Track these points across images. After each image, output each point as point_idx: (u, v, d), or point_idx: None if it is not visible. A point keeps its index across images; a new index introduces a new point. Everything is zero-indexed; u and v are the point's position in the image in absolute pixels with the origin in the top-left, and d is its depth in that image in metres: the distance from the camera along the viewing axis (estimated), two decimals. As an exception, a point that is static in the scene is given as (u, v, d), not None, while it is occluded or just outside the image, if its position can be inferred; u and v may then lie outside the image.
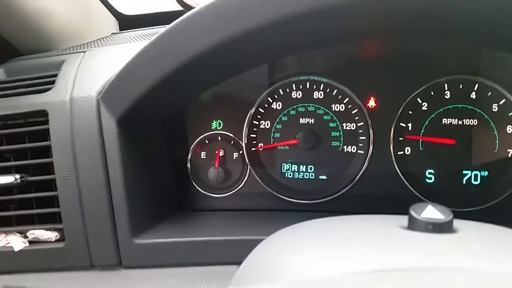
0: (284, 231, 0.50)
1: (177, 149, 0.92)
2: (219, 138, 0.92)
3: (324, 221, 0.52)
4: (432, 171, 0.87)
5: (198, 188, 0.93)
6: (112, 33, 1.25)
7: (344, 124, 0.89)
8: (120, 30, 1.32)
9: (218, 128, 0.92)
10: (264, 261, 0.43)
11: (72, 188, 0.72)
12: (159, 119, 0.86)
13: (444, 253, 0.38)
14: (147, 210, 0.79)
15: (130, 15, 1.34)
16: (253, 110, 0.91)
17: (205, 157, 0.93)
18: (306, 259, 0.38)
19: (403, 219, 0.47)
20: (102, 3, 1.24)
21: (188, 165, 0.93)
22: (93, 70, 0.81)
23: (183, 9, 0.97)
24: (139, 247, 0.73)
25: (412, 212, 0.44)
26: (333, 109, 0.90)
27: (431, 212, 0.44)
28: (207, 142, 0.93)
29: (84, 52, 0.89)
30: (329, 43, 0.75)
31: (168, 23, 1.22)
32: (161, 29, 1.14)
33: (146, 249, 0.73)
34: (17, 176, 0.73)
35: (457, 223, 0.46)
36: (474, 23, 0.64)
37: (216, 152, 0.92)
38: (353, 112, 0.89)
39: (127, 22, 1.34)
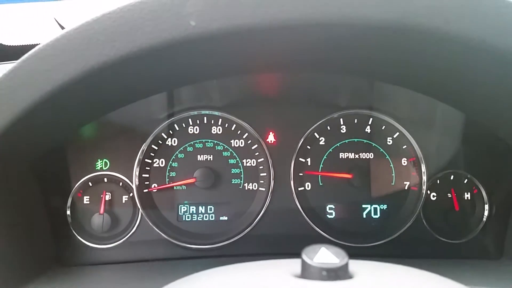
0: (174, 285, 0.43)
1: (54, 194, 0.79)
2: (105, 180, 0.82)
3: (212, 273, 0.45)
4: (332, 206, 0.86)
5: (81, 239, 0.80)
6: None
7: (244, 161, 0.85)
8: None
9: (104, 168, 0.82)
10: None
11: None
12: (31, 158, 0.73)
13: None
14: (14, 267, 0.65)
15: (10, 45, 1.20)
16: (145, 147, 0.83)
17: (88, 202, 0.81)
18: None
19: (298, 264, 0.42)
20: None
21: (68, 212, 0.80)
22: None
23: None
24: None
25: (304, 257, 0.39)
26: (233, 145, 0.85)
27: (325, 255, 0.40)
28: (90, 184, 0.81)
29: None
30: (221, 74, 0.71)
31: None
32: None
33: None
34: None
35: (353, 266, 0.42)
36: (369, 60, 0.65)
37: (102, 196, 0.81)
38: (253, 147, 0.85)
39: (7, 53, 1.19)
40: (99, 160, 0.82)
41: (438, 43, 0.50)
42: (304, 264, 0.39)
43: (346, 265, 0.39)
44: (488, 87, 0.57)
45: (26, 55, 0.54)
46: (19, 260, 0.67)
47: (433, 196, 0.86)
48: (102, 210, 0.80)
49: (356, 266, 0.42)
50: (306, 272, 0.39)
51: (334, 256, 0.39)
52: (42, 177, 0.77)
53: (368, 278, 0.39)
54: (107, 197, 0.81)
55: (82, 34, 0.50)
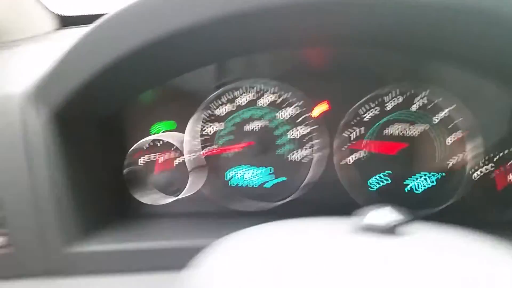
0: (231, 236, 0.48)
1: (115, 154, 0.86)
2: (159, 143, 0.87)
3: (270, 226, 0.50)
4: (375, 179, 0.88)
5: (137, 196, 0.87)
6: (46, 32, 1.17)
7: (290, 131, 0.88)
8: (56, 30, 1.24)
9: (159, 133, 0.87)
10: (209, 268, 0.40)
11: None
12: (95, 120, 0.80)
13: (388, 256, 0.37)
14: (82, 217, 0.73)
15: (68, 15, 1.27)
16: (198, 114, 0.87)
17: (144, 162, 0.88)
18: (252, 265, 0.36)
19: (349, 222, 0.46)
20: (38, 2, 1.16)
21: (128, 170, 0.87)
22: (23, 66, 0.74)
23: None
24: (71, 256, 0.67)
25: (356, 217, 0.43)
26: (280, 116, 0.88)
27: (377, 215, 0.43)
28: (146, 146, 0.87)
29: (13, 47, 0.81)
30: (276, 47, 0.74)
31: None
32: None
33: (80, 257, 0.68)
34: None
35: (402, 229, 0.45)
36: (421, 37, 0.65)
37: (156, 157, 0.87)
38: (299, 119, 0.88)
39: (65, 22, 1.26)
40: (154, 125, 0.87)
41: (495, 24, 0.51)
42: (357, 222, 0.42)
43: (393, 226, 0.42)
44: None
45: (102, 20, 0.59)
46: (85, 213, 0.74)
47: (478, 174, 0.86)
48: (158, 170, 0.86)
49: (407, 228, 0.45)
50: (358, 229, 0.42)
51: (386, 216, 0.43)
52: (105, 138, 0.83)
53: (418, 236, 0.42)
54: (161, 159, 0.87)
55: (156, 3, 0.55)
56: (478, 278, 0.30)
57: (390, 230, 0.43)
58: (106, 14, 0.68)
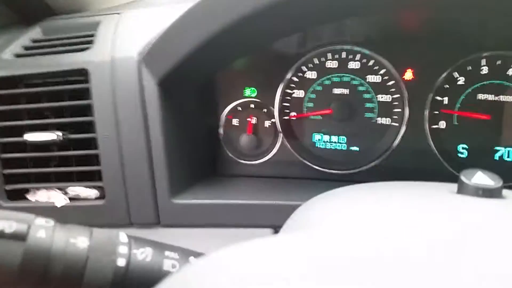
0: (335, 191, 0.51)
1: (211, 115, 0.93)
2: (252, 106, 0.93)
3: (372, 186, 0.53)
4: (465, 146, 0.87)
5: (231, 155, 0.94)
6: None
7: (379, 96, 0.89)
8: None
9: (251, 96, 0.92)
10: (317, 213, 0.44)
11: (113, 147, 0.73)
12: (196, 84, 0.86)
13: (495, 216, 0.39)
14: (184, 172, 0.80)
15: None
16: (286, 78, 0.91)
17: (237, 124, 0.93)
18: (357, 216, 0.40)
19: (453, 186, 0.48)
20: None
21: (221, 131, 0.93)
22: (131, 31, 0.81)
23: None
24: (176, 207, 0.75)
25: (463, 178, 0.45)
26: (369, 80, 0.89)
27: (481, 178, 0.45)
28: (239, 109, 0.93)
29: (119, 13, 0.88)
30: (366, 11, 0.74)
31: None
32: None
33: (183, 209, 0.75)
34: (59, 133, 0.74)
35: (506, 192, 0.47)
36: None
37: (249, 119, 0.92)
38: (388, 84, 0.88)
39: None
40: (247, 88, 0.92)
41: None
42: (462, 183, 0.45)
43: (501, 187, 0.44)
44: None
45: None
46: (185, 169, 0.82)
47: None
48: (249, 131, 0.91)
49: (509, 192, 0.47)
50: (464, 191, 0.45)
51: (490, 179, 0.44)
52: (202, 100, 0.90)
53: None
54: (253, 121, 0.93)
55: None
56: None
57: (497, 192, 0.45)
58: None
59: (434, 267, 0.23)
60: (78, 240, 0.38)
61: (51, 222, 0.39)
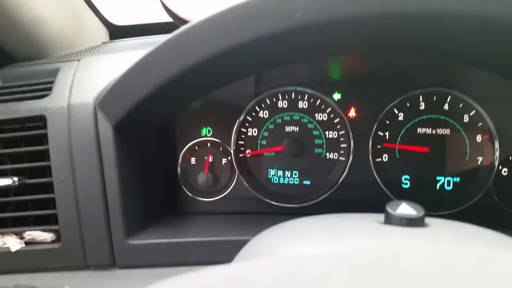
0: (275, 227, 0.55)
1: (168, 155, 0.96)
2: (209, 145, 0.97)
3: (309, 218, 0.57)
4: (407, 177, 0.94)
5: (188, 193, 0.97)
6: (102, 42, 1.29)
7: (326, 133, 0.95)
8: (110, 40, 1.35)
9: (208, 135, 0.97)
10: (257, 251, 0.48)
11: (68, 190, 0.75)
12: (153, 126, 0.90)
13: (414, 241, 0.43)
14: (140, 213, 0.82)
15: (120, 25, 1.38)
16: (241, 118, 0.96)
17: (195, 162, 0.97)
18: (293, 245, 0.44)
19: (381, 216, 0.53)
20: (94, 13, 1.27)
21: (179, 170, 0.97)
22: (88, 78, 0.85)
23: (172, 20, 1.03)
24: (132, 248, 0.76)
25: (388, 209, 0.50)
26: (317, 118, 0.95)
27: (405, 208, 0.50)
28: (197, 148, 0.97)
29: (79, 60, 0.92)
30: (313, 57, 0.81)
31: (156, 33, 1.27)
32: (149, 39, 1.19)
33: (139, 249, 0.77)
34: (15, 178, 0.76)
35: (429, 220, 0.52)
36: (449, 45, 0.71)
37: (206, 158, 0.96)
38: (335, 121, 0.95)
39: (117, 32, 1.38)
40: (204, 128, 0.97)
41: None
42: (387, 214, 0.49)
43: (423, 216, 0.49)
44: None
45: (164, 41, 0.67)
46: (141, 209, 0.84)
47: (505, 171, 0.91)
48: (206, 169, 0.95)
49: (432, 220, 0.52)
50: (389, 221, 0.50)
51: (413, 209, 0.49)
52: (160, 141, 0.93)
53: (440, 227, 0.49)
54: (210, 159, 0.96)
55: (210, 24, 0.63)
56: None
57: (419, 221, 0.49)
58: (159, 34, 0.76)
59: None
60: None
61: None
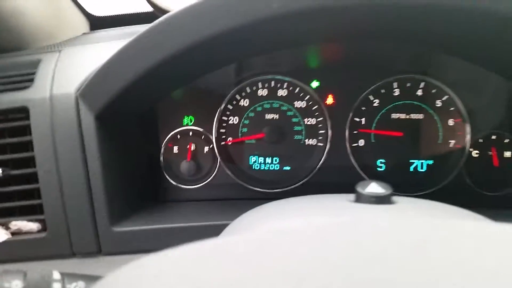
0: (256, 208, 0.59)
1: (151, 144, 0.98)
2: (191, 133, 0.99)
3: (288, 200, 0.61)
4: (383, 160, 0.97)
5: (171, 181, 0.99)
6: (83, 33, 1.29)
7: (305, 120, 0.98)
8: (90, 30, 1.35)
9: (190, 124, 0.99)
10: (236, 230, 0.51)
11: (53, 180, 0.77)
12: (135, 115, 0.91)
13: (376, 215, 0.47)
14: (124, 201, 0.84)
15: (100, 16, 1.38)
16: (222, 107, 0.98)
17: (177, 151, 0.99)
18: (272, 221, 0.47)
19: (353, 196, 0.56)
20: (74, 3, 1.27)
21: (161, 158, 0.99)
22: (70, 69, 0.86)
23: (152, 10, 1.04)
24: (117, 235, 0.79)
25: (358, 188, 0.53)
26: (296, 106, 0.98)
27: (374, 187, 0.53)
28: (179, 137, 0.99)
29: (60, 51, 0.93)
30: (291, 46, 0.83)
31: (137, 23, 1.27)
32: (130, 29, 1.19)
33: (123, 236, 0.79)
34: (0, 169, 0.77)
35: (396, 198, 0.55)
36: (424, 31, 0.74)
37: (188, 146, 0.99)
38: (313, 108, 0.98)
39: (97, 23, 1.37)
40: (185, 117, 0.99)
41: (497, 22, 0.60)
42: (357, 193, 0.53)
43: (390, 195, 0.52)
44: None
45: (145, 29, 0.69)
46: (125, 197, 0.86)
47: (476, 153, 0.95)
48: (188, 158, 0.97)
49: (399, 198, 0.55)
50: (359, 199, 0.53)
51: (382, 188, 0.53)
52: (142, 131, 0.95)
53: (407, 205, 0.52)
54: (192, 148, 0.99)
55: (190, 13, 0.65)
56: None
57: (387, 199, 0.53)
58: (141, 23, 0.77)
59: (322, 262, 0.29)
60: (12, 284, 0.42)
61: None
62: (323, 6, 0.61)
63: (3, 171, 0.77)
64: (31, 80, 0.84)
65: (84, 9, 1.34)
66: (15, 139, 0.79)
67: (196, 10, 0.65)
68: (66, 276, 0.47)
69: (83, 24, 1.35)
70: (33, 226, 0.78)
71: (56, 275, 0.47)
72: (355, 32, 0.78)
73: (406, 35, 0.80)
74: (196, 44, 0.67)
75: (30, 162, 0.78)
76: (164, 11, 1.06)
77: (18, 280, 0.43)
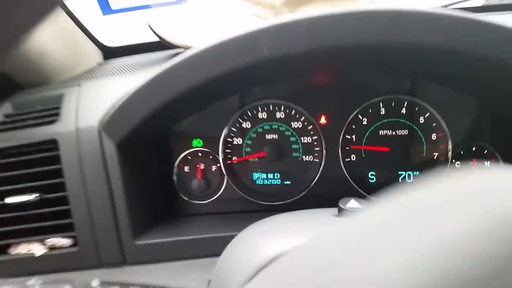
0: (248, 228, 0.69)
1: (165, 165, 1.09)
2: (200, 154, 1.10)
3: (278, 216, 0.71)
4: (373, 173, 1.08)
5: (184, 197, 1.10)
6: (97, 63, 1.41)
7: (302, 138, 1.09)
8: (104, 60, 1.48)
9: (199, 146, 1.10)
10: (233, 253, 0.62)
11: (81, 202, 0.88)
12: (150, 141, 1.03)
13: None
14: (144, 217, 0.95)
15: (112, 46, 1.51)
16: (227, 129, 1.09)
17: (188, 170, 1.10)
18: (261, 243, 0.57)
19: (335, 210, 0.66)
20: (88, 37, 1.40)
21: (175, 178, 1.10)
22: (91, 103, 0.97)
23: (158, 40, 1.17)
24: (139, 247, 0.90)
25: (340, 204, 0.63)
26: (293, 126, 1.09)
27: (353, 203, 0.63)
28: (189, 158, 1.10)
29: (79, 85, 1.04)
30: (289, 77, 0.95)
31: (146, 52, 1.40)
32: (141, 57, 1.31)
33: (145, 248, 0.90)
34: (36, 194, 0.89)
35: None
36: (412, 66, 0.85)
37: (198, 166, 1.10)
38: (308, 128, 1.08)
39: (109, 52, 1.50)
40: (194, 140, 1.10)
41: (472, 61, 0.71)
42: (339, 208, 0.63)
43: (363, 208, 0.62)
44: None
45: (163, 68, 0.80)
46: (144, 214, 0.97)
47: (458, 164, 1.05)
48: (199, 176, 1.08)
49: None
50: (340, 214, 0.63)
51: (359, 204, 0.63)
52: (157, 154, 1.06)
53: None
54: (202, 167, 1.10)
55: (202, 56, 0.76)
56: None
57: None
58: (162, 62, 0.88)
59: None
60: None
61: (38, 281, 0.54)
62: (307, 50, 0.72)
63: (39, 195, 0.89)
64: (57, 114, 0.95)
65: (98, 41, 1.47)
66: (48, 167, 0.90)
67: (204, 55, 0.77)
68: (105, 283, 0.58)
69: (97, 54, 1.48)
70: (66, 241, 0.90)
71: (96, 282, 0.58)
72: (343, 66, 0.90)
73: (392, 69, 0.92)
74: (204, 82, 0.79)
75: (61, 186, 0.90)
76: (170, 44, 1.19)
77: (68, 286, 0.54)
